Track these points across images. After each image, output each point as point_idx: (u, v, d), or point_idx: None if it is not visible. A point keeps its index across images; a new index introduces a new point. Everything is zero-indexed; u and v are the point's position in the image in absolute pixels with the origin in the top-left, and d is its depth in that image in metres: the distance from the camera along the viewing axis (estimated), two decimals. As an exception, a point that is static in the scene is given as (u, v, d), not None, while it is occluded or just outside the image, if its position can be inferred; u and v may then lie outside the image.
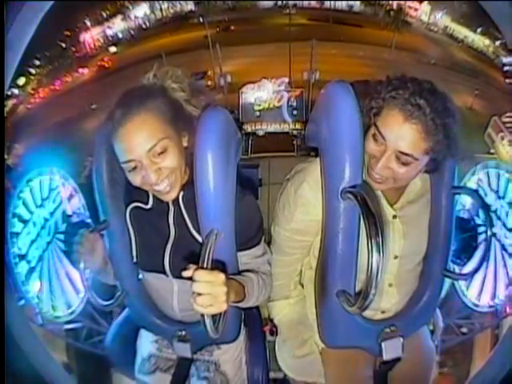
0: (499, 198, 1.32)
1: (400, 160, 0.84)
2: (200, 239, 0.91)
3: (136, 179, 0.85)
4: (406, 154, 0.83)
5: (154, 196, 0.95)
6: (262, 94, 4.27)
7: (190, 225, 0.93)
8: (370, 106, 0.87)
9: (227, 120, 0.93)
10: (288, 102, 4.29)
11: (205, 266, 0.74)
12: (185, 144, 0.90)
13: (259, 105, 4.26)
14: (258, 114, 4.26)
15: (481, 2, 0.80)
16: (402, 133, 0.82)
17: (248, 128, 4.12)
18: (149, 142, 0.81)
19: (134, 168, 0.83)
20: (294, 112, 4.28)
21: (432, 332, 1.17)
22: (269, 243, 1.08)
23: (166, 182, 0.85)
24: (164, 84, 0.90)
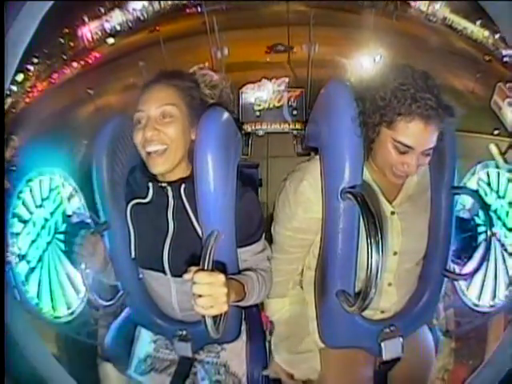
0: (499, 197, 1.32)
1: (426, 154, 0.88)
2: (200, 231, 0.92)
3: (138, 136, 0.90)
4: (431, 148, 0.87)
5: (153, 189, 0.96)
6: (262, 94, 4.26)
7: (192, 216, 0.94)
8: (379, 120, 0.86)
9: (227, 120, 0.93)
10: (288, 102, 4.28)
11: (205, 267, 0.74)
12: (192, 136, 0.92)
13: (259, 105, 4.26)
14: (257, 114, 4.25)
15: (481, 2, 0.80)
16: (426, 136, 0.85)
17: (248, 128, 4.11)
18: (162, 100, 0.90)
19: (140, 122, 0.90)
20: (294, 112, 4.27)
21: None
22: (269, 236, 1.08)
23: (157, 146, 0.88)
24: (199, 84, 0.98)
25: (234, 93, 1.07)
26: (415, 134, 0.84)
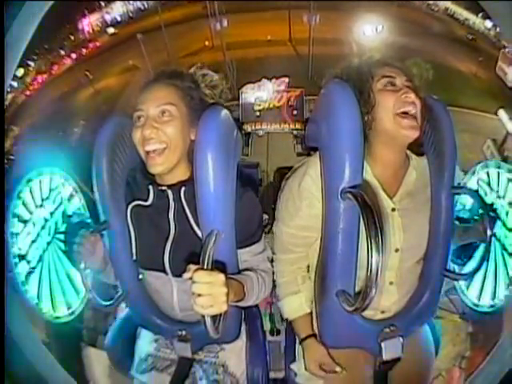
0: (499, 197, 1.31)
1: (409, 87, 0.95)
2: (200, 234, 0.92)
3: (137, 135, 0.90)
4: (409, 81, 0.96)
5: (154, 192, 0.96)
6: (262, 93, 4.26)
7: (191, 220, 0.94)
8: (367, 85, 0.96)
9: (227, 120, 0.93)
10: (288, 102, 4.29)
11: (205, 266, 0.74)
12: (192, 137, 0.91)
13: (259, 105, 4.26)
14: (257, 114, 4.25)
15: (481, 2, 0.80)
16: (394, 70, 0.97)
17: (248, 128, 4.11)
18: (161, 100, 0.90)
19: (139, 119, 0.90)
20: (294, 112, 4.26)
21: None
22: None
23: (156, 145, 0.88)
24: (199, 85, 0.98)
25: (232, 92, 1.07)
26: (385, 68, 0.97)
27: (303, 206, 0.99)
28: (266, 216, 1.07)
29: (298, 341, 1.14)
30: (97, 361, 1.27)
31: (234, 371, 1.10)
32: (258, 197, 1.04)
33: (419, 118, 0.94)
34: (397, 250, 1.00)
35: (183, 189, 0.94)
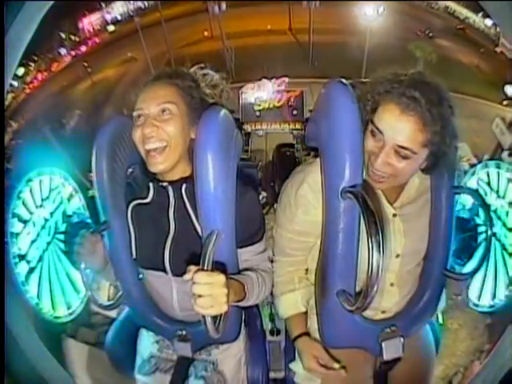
0: (499, 197, 1.32)
1: (399, 154, 0.85)
2: (201, 232, 0.92)
3: (137, 133, 0.89)
4: (405, 148, 0.83)
5: (154, 188, 0.96)
6: (262, 93, 4.26)
7: (193, 216, 0.94)
8: (366, 102, 0.89)
9: (227, 120, 0.93)
10: (288, 102, 4.29)
11: (205, 267, 0.73)
12: (192, 135, 0.92)
13: (259, 105, 4.26)
14: (258, 114, 4.25)
15: (481, 2, 0.80)
16: (399, 126, 0.83)
17: (248, 128, 4.11)
18: (161, 98, 0.89)
19: (139, 118, 0.89)
20: (294, 112, 4.27)
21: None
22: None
23: (157, 143, 0.88)
24: (200, 84, 0.98)
25: (230, 76, 1.06)
26: (388, 119, 0.84)
27: (299, 212, 0.99)
28: (264, 194, 1.06)
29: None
30: (76, 353, 1.26)
31: (223, 370, 1.10)
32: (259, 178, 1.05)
33: (392, 177, 0.88)
34: (398, 256, 1.00)
35: (184, 185, 0.94)
